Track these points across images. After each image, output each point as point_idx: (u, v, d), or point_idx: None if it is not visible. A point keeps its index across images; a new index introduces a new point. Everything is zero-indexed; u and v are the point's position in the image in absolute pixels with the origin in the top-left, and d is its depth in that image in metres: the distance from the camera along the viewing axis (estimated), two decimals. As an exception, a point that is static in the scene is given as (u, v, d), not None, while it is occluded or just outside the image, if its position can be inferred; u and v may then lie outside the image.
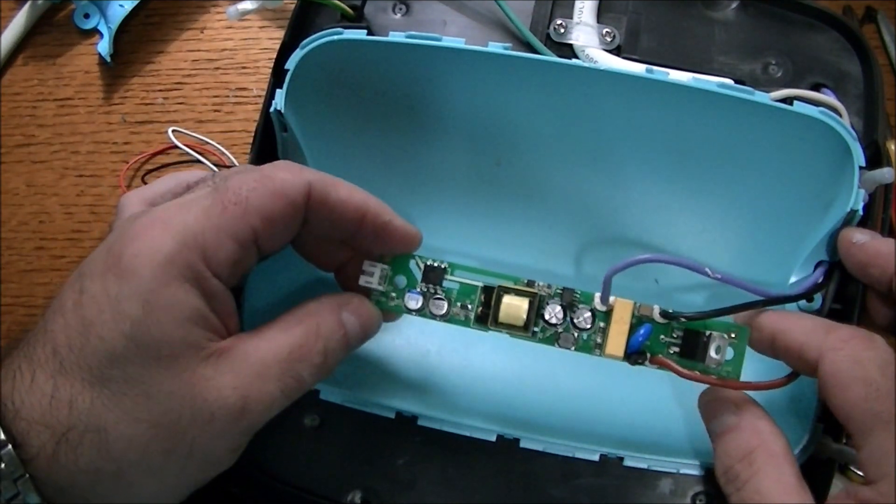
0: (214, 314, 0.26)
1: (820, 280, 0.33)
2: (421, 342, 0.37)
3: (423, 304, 0.30)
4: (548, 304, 0.30)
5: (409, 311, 0.30)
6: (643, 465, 0.32)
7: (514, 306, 0.30)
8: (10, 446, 0.23)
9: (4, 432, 0.23)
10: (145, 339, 0.24)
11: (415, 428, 0.33)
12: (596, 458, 0.32)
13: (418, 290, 0.30)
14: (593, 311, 0.30)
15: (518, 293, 0.30)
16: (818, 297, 0.33)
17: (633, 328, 0.29)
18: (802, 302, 0.34)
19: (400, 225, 0.30)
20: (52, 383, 0.24)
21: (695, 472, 0.32)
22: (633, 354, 0.29)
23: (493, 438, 0.33)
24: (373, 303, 0.30)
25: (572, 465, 0.32)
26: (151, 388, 0.24)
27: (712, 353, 0.29)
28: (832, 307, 0.33)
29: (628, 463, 0.32)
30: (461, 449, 0.33)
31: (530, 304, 0.30)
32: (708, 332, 0.29)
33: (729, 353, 0.29)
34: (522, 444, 0.33)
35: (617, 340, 0.29)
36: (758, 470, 0.26)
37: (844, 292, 0.33)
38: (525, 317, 0.30)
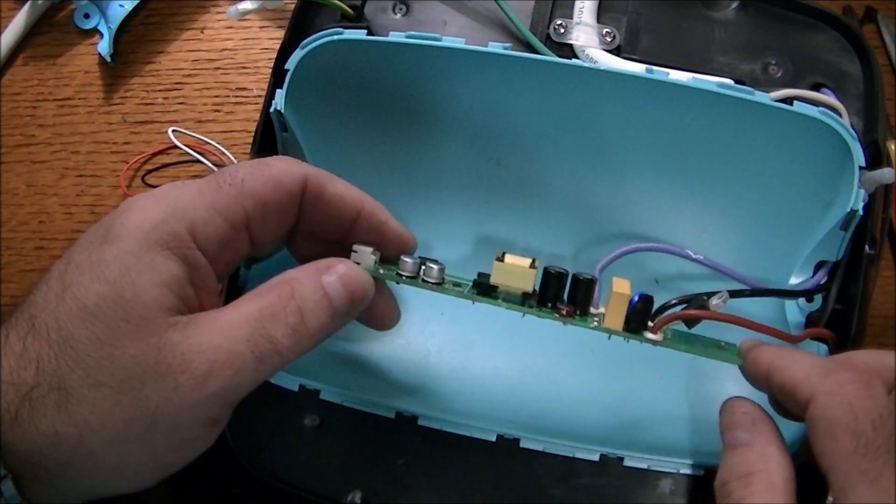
0: (193, 287, 0.25)
1: (823, 281, 0.33)
2: (421, 342, 0.37)
3: (417, 265, 0.29)
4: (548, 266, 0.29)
5: (401, 276, 0.29)
6: (643, 465, 0.32)
7: (517, 264, 0.28)
8: None
9: None
10: (117, 298, 0.24)
11: (415, 428, 0.33)
12: (596, 458, 0.32)
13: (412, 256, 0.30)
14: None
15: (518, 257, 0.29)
16: (818, 297, 0.33)
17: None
18: (802, 301, 0.34)
19: (395, 226, 0.30)
20: (22, 344, 0.24)
21: (695, 472, 0.32)
22: (637, 316, 0.28)
23: (493, 438, 0.33)
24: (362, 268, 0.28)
25: (572, 465, 0.32)
26: (116, 351, 0.23)
27: (715, 300, 0.28)
28: (834, 307, 0.33)
29: (628, 463, 0.32)
30: (461, 449, 0.33)
31: (532, 262, 0.29)
32: (706, 296, 0.29)
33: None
34: (522, 444, 0.33)
35: (622, 286, 0.28)
36: (752, 493, 0.25)
37: (845, 292, 0.33)
38: (529, 261, 0.28)
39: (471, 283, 0.30)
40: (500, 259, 0.29)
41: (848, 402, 0.24)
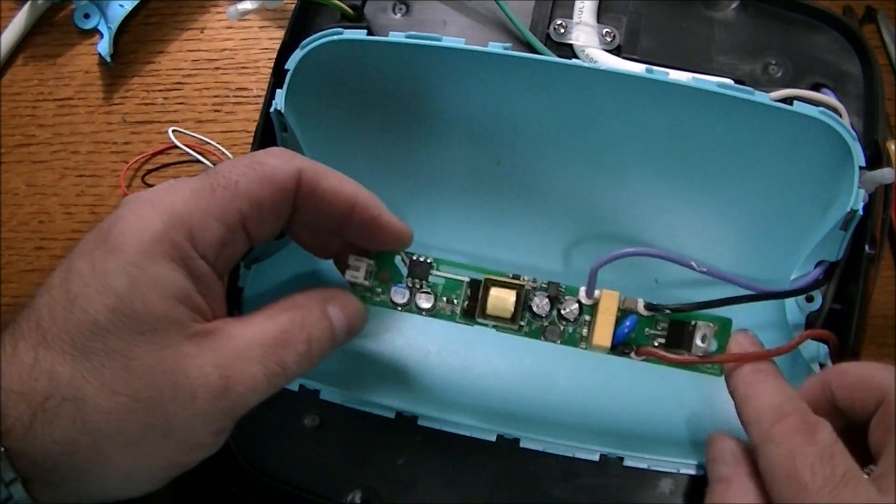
0: (200, 296, 0.26)
1: (819, 278, 0.33)
2: (421, 342, 0.37)
3: (409, 298, 0.31)
4: (535, 296, 0.30)
5: (395, 305, 0.31)
6: (643, 465, 0.32)
7: (502, 299, 0.30)
8: None
9: None
10: (128, 311, 0.24)
11: (415, 428, 0.33)
12: (596, 458, 0.32)
13: (404, 284, 0.31)
14: (580, 303, 0.30)
15: (505, 285, 0.30)
16: (818, 298, 0.33)
17: (618, 321, 0.30)
18: (802, 301, 0.34)
19: (390, 220, 0.30)
20: (34, 354, 0.24)
21: (695, 472, 0.32)
22: (619, 346, 0.30)
23: (493, 438, 0.33)
24: (358, 298, 0.30)
25: (572, 465, 0.32)
26: (132, 362, 0.24)
27: (698, 341, 0.29)
28: (832, 307, 0.33)
29: (628, 463, 0.32)
30: (461, 449, 0.33)
31: (517, 296, 0.30)
32: (693, 322, 0.29)
33: (713, 345, 0.30)
34: (522, 444, 0.33)
35: (604, 331, 0.30)
36: None
37: (845, 292, 0.33)
38: (512, 308, 0.30)
39: (460, 311, 0.31)
40: (487, 288, 0.30)
41: (789, 451, 0.25)
